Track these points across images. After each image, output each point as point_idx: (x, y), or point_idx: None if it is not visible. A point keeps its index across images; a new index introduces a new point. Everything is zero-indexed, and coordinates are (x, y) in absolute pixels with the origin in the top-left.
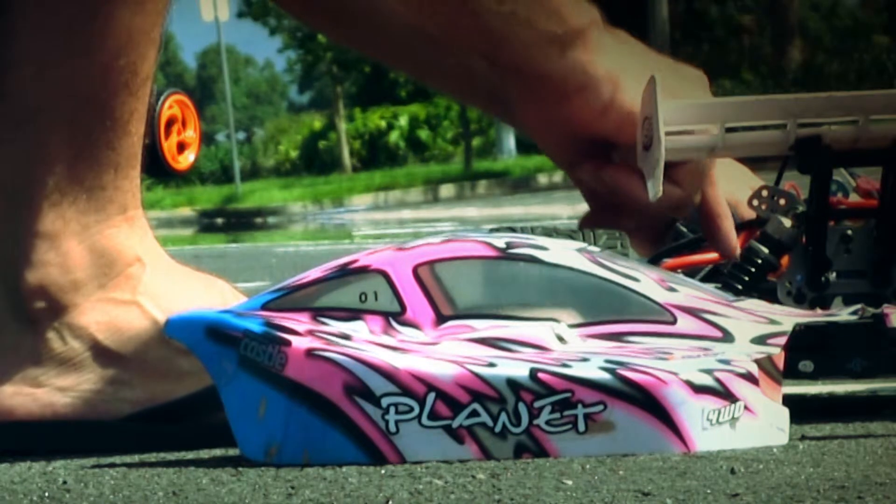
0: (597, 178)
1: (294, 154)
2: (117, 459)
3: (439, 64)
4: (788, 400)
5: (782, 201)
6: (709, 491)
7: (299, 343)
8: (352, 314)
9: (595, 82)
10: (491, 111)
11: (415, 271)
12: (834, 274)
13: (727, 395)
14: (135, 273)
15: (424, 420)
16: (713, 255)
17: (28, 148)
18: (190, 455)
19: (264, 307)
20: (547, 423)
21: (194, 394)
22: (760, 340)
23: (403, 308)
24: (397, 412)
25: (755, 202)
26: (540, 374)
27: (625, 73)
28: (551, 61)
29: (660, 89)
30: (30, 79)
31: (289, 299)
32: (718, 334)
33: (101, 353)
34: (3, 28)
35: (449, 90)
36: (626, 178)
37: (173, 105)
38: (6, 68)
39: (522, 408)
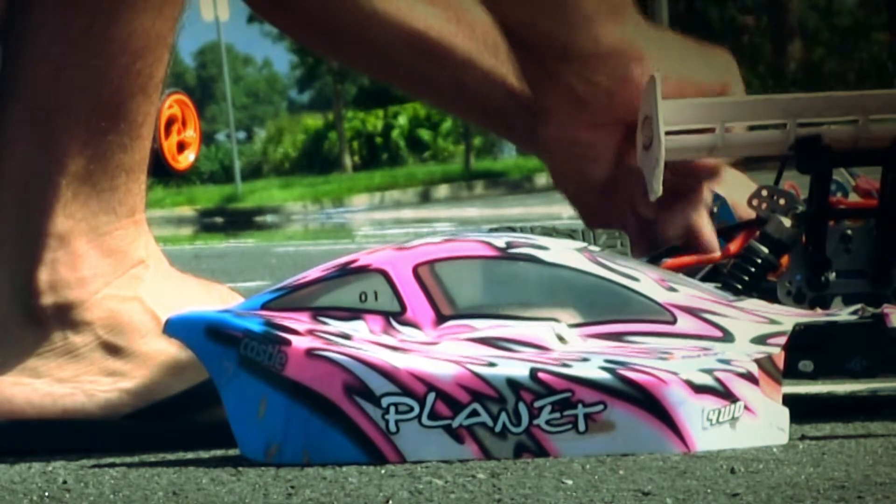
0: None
1: (294, 154)
2: (117, 459)
3: (432, 79)
4: (788, 400)
5: (782, 201)
6: (709, 491)
7: (299, 343)
8: (352, 314)
9: (648, 53)
10: (485, 124)
11: (415, 271)
12: (834, 274)
13: (727, 394)
14: (138, 273)
15: (424, 420)
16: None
17: (42, 148)
18: (190, 455)
19: (264, 307)
20: (547, 422)
21: (193, 387)
22: (760, 340)
23: (403, 308)
24: (397, 412)
25: (755, 202)
26: (540, 374)
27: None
28: (613, 33)
29: (659, 88)
30: (47, 80)
31: (289, 299)
32: (718, 334)
33: (101, 346)
34: (21, 28)
35: (442, 105)
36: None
37: (173, 105)
38: (23, 68)
39: (522, 408)
